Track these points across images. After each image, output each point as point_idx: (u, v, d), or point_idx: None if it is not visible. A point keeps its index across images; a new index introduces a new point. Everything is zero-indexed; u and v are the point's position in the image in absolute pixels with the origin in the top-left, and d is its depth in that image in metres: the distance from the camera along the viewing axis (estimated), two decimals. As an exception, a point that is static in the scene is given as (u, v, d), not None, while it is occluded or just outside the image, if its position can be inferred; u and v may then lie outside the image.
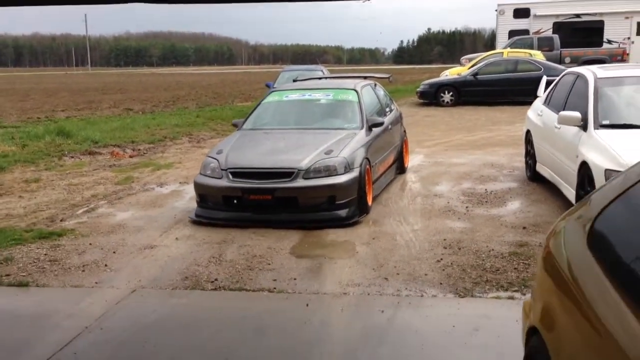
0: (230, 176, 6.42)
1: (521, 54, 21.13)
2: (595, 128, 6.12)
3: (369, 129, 7.36)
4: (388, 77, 10.31)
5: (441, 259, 5.20)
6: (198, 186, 6.65)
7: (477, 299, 4.37)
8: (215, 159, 6.70)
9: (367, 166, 6.77)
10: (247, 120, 7.91)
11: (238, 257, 5.38)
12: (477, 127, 14.38)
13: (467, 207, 6.92)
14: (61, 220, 6.80)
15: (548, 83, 8.91)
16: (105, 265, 5.28)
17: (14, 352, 3.69)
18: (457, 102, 18.98)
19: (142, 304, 4.45)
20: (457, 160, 9.91)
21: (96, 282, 4.88)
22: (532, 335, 2.34)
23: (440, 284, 4.66)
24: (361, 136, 7.11)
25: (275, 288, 4.67)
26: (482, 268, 4.96)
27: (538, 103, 8.50)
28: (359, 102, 7.68)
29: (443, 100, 19.12)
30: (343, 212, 6.26)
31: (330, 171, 6.33)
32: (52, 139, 12.93)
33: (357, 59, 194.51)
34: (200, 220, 6.47)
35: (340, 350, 3.68)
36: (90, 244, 5.88)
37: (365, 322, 4.07)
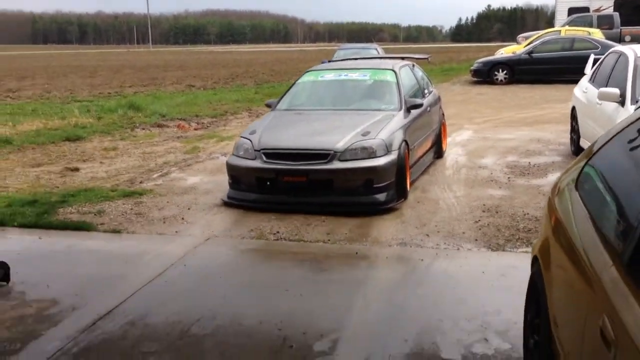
0: (264, 157, 6.25)
1: (579, 32, 20.95)
2: (632, 104, 6.48)
3: (408, 110, 7.13)
4: (427, 58, 10.13)
5: (479, 220, 5.76)
6: (230, 167, 6.51)
7: (507, 253, 4.94)
8: (248, 139, 6.53)
9: (406, 149, 6.57)
10: (281, 101, 7.75)
11: (296, 215, 6.08)
12: (529, 105, 14.60)
13: (509, 178, 7.40)
14: (140, 182, 7.66)
15: (595, 61, 9.19)
16: (182, 218, 6.08)
17: (115, 280, 4.51)
18: (511, 80, 19.09)
19: (216, 248, 5.24)
20: (504, 136, 10.31)
21: (176, 231, 5.69)
22: (534, 262, 2.93)
23: (476, 240, 5.25)
24: (399, 118, 6.88)
25: (329, 240, 5.36)
26: (515, 228, 5.50)
27: (584, 81, 8.82)
28: (397, 82, 7.47)
29: (497, 79, 19.27)
30: (381, 197, 6.06)
31: (368, 153, 6.13)
32: (124, 112, 13.99)
33: (414, 36, 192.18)
34: (232, 203, 6.39)
35: (384, 287, 4.34)
36: (167, 202, 6.70)
37: (407, 268, 4.73)
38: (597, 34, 20.31)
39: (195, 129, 12.30)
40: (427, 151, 7.94)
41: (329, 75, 8.06)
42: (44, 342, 3.59)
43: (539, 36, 22.02)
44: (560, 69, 18.37)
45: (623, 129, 2.58)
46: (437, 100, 8.90)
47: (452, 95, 16.75)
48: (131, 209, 6.42)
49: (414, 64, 8.93)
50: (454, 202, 6.45)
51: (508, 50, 22.54)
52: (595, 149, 2.80)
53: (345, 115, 7.03)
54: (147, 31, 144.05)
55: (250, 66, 36.48)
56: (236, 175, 6.48)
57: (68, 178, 8.03)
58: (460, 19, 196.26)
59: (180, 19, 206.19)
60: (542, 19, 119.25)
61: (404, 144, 6.51)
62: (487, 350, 3.39)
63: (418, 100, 7.52)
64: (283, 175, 6.16)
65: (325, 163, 6.08)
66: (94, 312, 3.94)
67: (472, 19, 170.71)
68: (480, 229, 5.52)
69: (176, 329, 3.71)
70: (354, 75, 7.91)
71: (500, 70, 19.34)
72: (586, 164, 2.69)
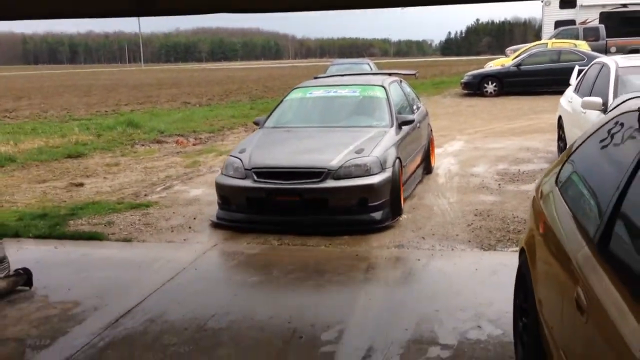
0: (255, 176, 6.08)
1: (566, 44, 21.48)
2: (613, 112, 6.85)
3: (399, 126, 7.05)
4: (414, 74, 10.18)
5: (471, 224, 6.08)
6: (220, 187, 6.34)
7: (498, 252, 5.27)
8: (238, 158, 6.37)
9: (399, 166, 6.50)
10: (269, 118, 7.61)
11: (298, 222, 6.37)
12: (518, 116, 15.02)
13: (499, 184, 7.75)
14: (145, 195, 7.94)
15: (580, 72, 9.60)
16: (189, 227, 6.38)
17: (131, 284, 4.79)
18: (501, 92, 19.54)
19: (223, 254, 5.55)
20: (494, 146, 10.68)
21: (184, 239, 5.99)
22: (522, 253, 3.25)
23: (469, 241, 5.57)
24: (392, 134, 6.80)
25: (330, 244, 5.66)
26: (506, 230, 5.83)
27: (569, 91, 9.22)
28: (388, 98, 7.40)
29: (486, 91, 19.72)
30: (377, 215, 5.96)
31: (362, 171, 6.01)
32: (123, 129, 14.31)
33: (404, 51, 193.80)
34: (221, 223, 6.25)
35: (384, 284, 4.65)
36: (173, 212, 6.99)
37: (404, 268, 5.05)
38: (583, 46, 20.82)
39: (194, 144, 12.61)
40: (417, 167, 7.91)
41: (318, 92, 7.93)
42: (71, 338, 3.87)
43: (526, 49, 22.55)
44: (548, 80, 18.81)
45: (596, 131, 2.91)
46: (425, 115, 8.92)
47: (443, 107, 17.16)
48: (139, 219, 6.70)
49: (402, 79, 8.92)
50: (448, 207, 6.78)
51: (497, 63, 23.07)
52: (573, 148, 3.14)
53: (336, 132, 6.91)
54: (139, 50, 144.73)
55: (244, 83, 36.89)
56: (226, 195, 6.31)
57: (74, 193, 8.30)
58: (449, 33, 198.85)
59: (171, 37, 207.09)
60: (530, 32, 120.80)
61: (397, 160, 6.45)
62: (481, 336, 3.70)
63: (409, 117, 7.50)
64: (275, 194, 5.99)
65: (319, 182, 5.92)
66: (115, 311, 4.22)
67: (461, 32, 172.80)
68: (472, 231, 5.84)
69: (193, 324, 4.00)
70: (344, 92, 7.79)
71: (490, 83, 19.80)
72: (566, 161, 3.02)
